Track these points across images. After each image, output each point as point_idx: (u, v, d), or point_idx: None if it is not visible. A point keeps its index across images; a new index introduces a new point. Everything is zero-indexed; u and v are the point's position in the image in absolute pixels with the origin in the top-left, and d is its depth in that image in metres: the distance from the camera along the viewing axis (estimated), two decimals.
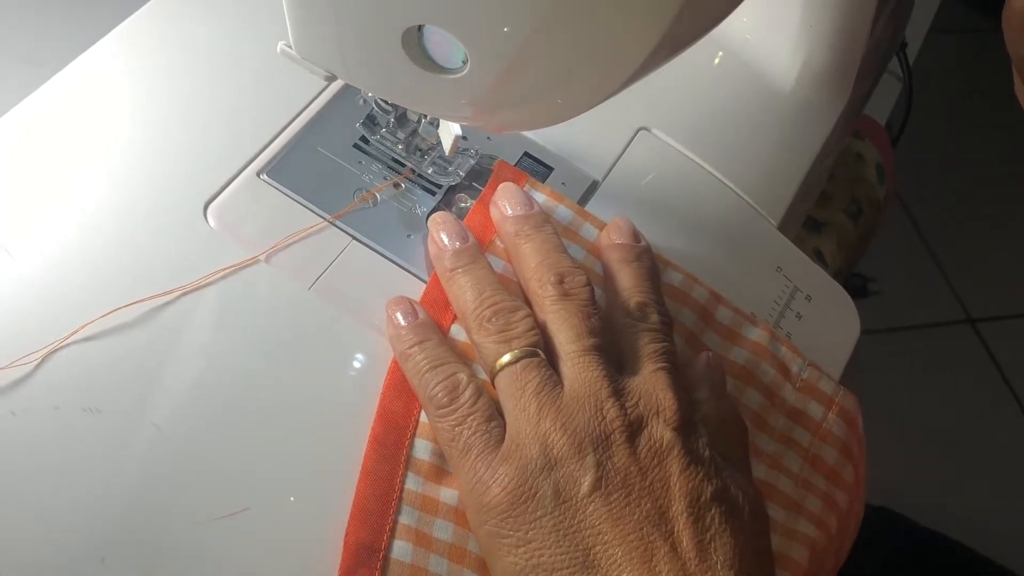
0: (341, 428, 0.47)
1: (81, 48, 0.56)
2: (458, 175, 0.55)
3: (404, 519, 0.45)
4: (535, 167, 0.58)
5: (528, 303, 0.50)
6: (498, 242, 0.52)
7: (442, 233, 0.51)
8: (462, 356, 0.49)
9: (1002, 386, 1.80)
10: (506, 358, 0.46)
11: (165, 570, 0.42)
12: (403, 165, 0.55)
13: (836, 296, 0.61)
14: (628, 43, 0.38)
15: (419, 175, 0.55)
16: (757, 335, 0.55)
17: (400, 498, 0.45)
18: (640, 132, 0.61)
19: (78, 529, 0.42)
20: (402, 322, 0.49)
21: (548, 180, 0.58)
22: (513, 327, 0.47)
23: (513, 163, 0.57)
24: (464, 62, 0.41)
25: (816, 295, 0.59)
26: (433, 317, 0.50)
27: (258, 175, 0.53)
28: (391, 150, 0.55)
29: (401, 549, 0.44)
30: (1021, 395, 1.78)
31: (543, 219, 0.52)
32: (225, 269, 0.50)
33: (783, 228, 0.62)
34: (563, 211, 0.54)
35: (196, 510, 0.44)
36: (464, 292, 0.49)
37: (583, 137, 0.60)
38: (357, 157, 0.55)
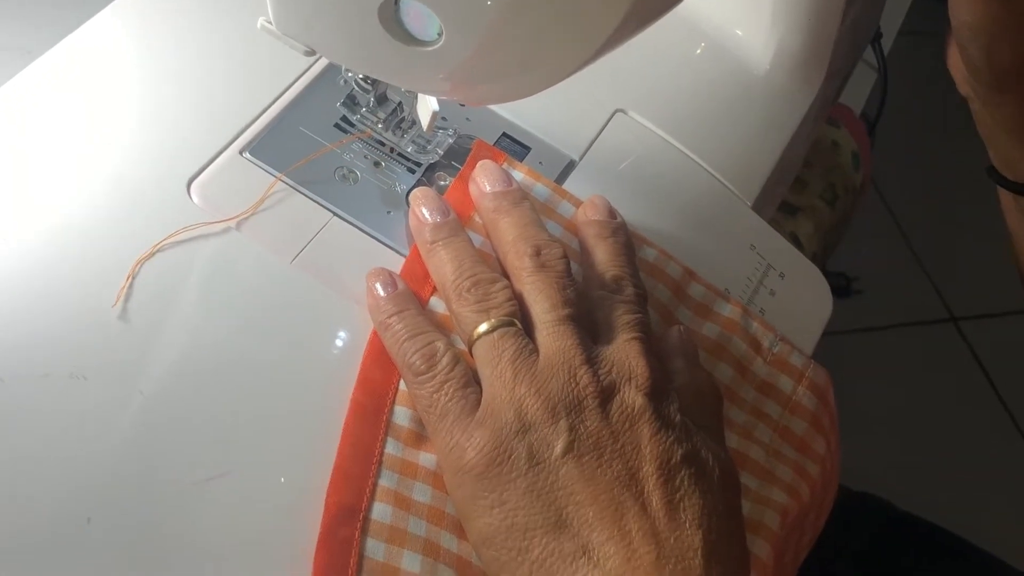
0: (322, 396, 0.48)
1: (67, 32, 0.57)
2: (437, 153, 0.56)
3: (384, 482, 0.46)
4: (513, 147, 0.59)
5: (507, 276, 0.51)
6: (477, 218, 0.54)
7: (423, 207, 0.52)
8: (440, 326, 0.50)
9: (984, 383, 1.81)
10: (483, 327, 0.48)
11: (148, 529, 0.43)
12: (383, 144, 0.56)
13: (808, 274, 0.62)
14: (601, 11, 0.40)
15: (399, 154, 0.56)
16: (729, 311, 0.56)
17: (380, 462, 0.47)
18: (617, 114, 0.63)
19: (65, 490, 0.43)
20: (381, 293, 0.50)
21: (526, 160, 0.59)
22: (491, 297, 0.49)
23: (491, 143, 0.58)
24: (439, 34, 0.42)
25: (789, 273, 0.61)
26: (412, 289, 0.51)
27: (241, 153, 0.54)
28: (372, 128, 0.56)
29: (381, 511, 0.45)
30: (1002, 392, 1.80)
31: (521, 195, 0.53)
32: (198, 226, 0.51)
33: (757, 209, 0.63)
34: (541, 189, 0.55)
35: (179, 473, 0.45)
36: (444, 264, 0.50)
37: (560, 118, 0.61)
38: (338, 136, 0.56)
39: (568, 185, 0.58)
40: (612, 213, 0.55)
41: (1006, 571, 0.84)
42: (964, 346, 1.86)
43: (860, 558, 0.86)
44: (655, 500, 0.44)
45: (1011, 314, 1.90)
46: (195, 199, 0.52)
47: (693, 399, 0.49)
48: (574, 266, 0.52)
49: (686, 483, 0.45)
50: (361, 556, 0.44)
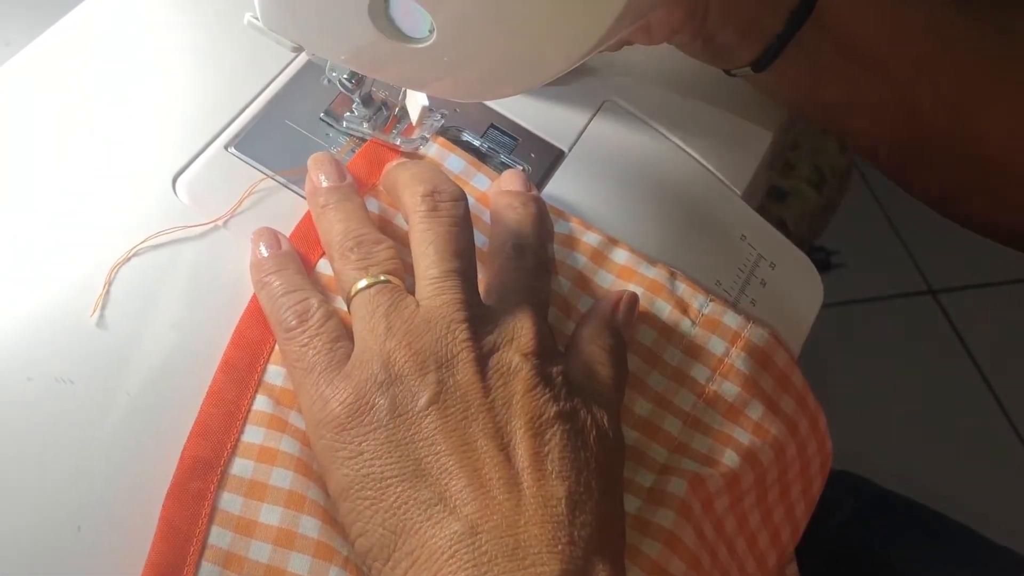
0: None
1: (48, 24, 0.56)
2: (424, 138, 0.56)
3: (248, 438, 0.46)
4: (501, 138, 0.58)
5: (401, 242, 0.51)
6: (381, 187, 0.53)
7: (320, 172, 0.51)
8: (324, 289, 0.50)
9: (963, 355, 1.82)
10: (362, 283, 0.47)
11: (139, 537, 0.43)
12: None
13: (800, 263, 0.61)
14: (595, 7, 0.39)
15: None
16: (655, 273, 0.55)
17: (246, 418, 0.46)
18: (605, 103, 0.62)
19: (53, 498, 0.43)
20: (264, 252, 0.49)
21: (515, 151, 0.58)
22: (373, 255, 0.48)
23: (480, 135, 0.58)
24: (431, 31, 0.42)
25: (780, 262, 0.60)
26: (302, 252, 0.50)
27: (226, 148, 0.53)
28: (358, 128, 0.55)
29: (242, 466, 0.45)
30: (981, 363, 1.80)
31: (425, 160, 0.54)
32: (182, 228, 0.50)
33: (747, 197, 0.63)
34: (455, 160, 0.55)
35: (169, 477, 0.44)
36: (332, 225, 0.50)
37: (549, 109, 0.60)
38: (324, 129, 0.55)
39: (558, 176, 0.58)
40: (526, 186, 0.54)
41: (987, 547, 0.85)
42: (943, 318, 1.87)
43: (838, 537, 0.86)
44: (520, 452, 0.43)
45: (989, 285, 1.91)
46: (181, 196, 0.51)
47: (588, 364, 0.49)
48: (482, 236, 0.52)
49: (557, 438, 0.44)
50: (214, 509, 0.44)
